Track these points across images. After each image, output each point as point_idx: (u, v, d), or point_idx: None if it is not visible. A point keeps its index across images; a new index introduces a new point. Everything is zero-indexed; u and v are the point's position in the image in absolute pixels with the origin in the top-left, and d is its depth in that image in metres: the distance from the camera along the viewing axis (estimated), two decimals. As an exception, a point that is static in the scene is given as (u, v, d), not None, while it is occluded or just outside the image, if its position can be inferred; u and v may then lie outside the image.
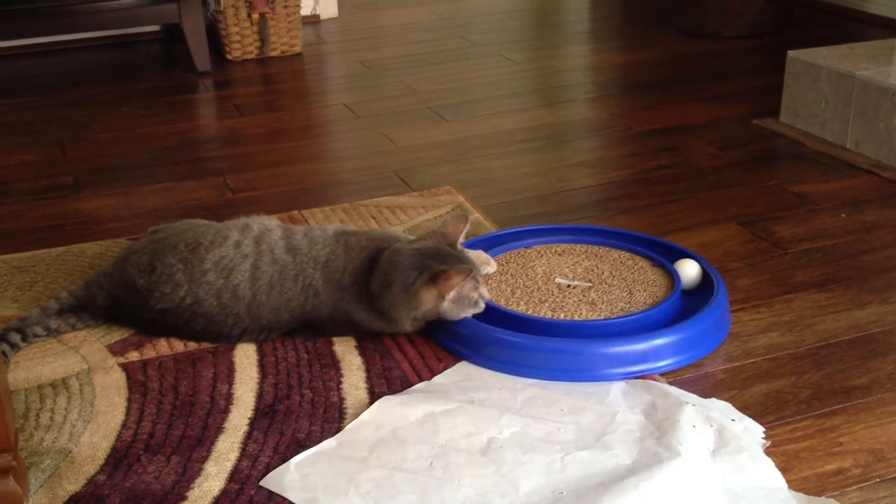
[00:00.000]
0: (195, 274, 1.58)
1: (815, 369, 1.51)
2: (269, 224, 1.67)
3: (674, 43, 3.54)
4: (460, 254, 1.57)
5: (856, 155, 2.37)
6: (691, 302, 1.65)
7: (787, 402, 1.43)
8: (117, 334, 1.64)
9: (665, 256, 1.76)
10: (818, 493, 1.23)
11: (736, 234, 1.98)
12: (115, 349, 1.59)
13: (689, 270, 1.71)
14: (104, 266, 1.74)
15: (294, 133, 2.76)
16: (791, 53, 2.59)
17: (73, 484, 1.27)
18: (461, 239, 1.60)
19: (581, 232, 1.89)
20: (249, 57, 3.49)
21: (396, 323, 1.56)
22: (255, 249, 1.60)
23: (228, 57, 3.47)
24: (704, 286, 1.68)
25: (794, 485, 1.25)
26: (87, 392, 1.48)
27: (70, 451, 1.34)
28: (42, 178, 2.43)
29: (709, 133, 2.59)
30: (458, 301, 1.52)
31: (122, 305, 1.63)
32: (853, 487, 1.25)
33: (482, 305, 1.56)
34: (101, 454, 1.33)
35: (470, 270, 1.51)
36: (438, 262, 1.52)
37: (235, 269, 1.58)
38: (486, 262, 1.73)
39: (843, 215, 2.06)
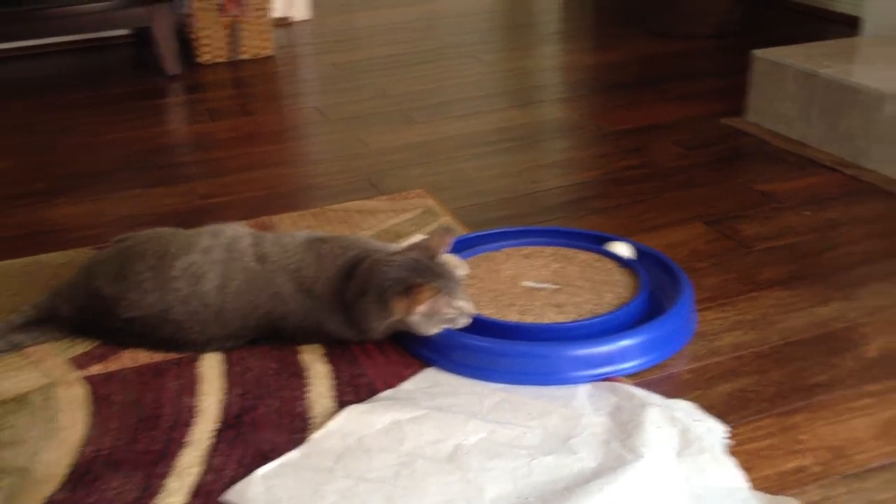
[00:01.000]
0: (164, 281, 1.58)
1: (779, 367, 1.53)
2: (239, 231, 1.67)
3: (643, 44, 3.56)
4: (439, 268, 1.56)
5: (819, 153, 2.39)
6: (657, 299, 1.66)
7: (750, 400, 1.44)
8: (81, 347, 1.63)
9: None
10: (779, 492, 1.24)
11: (702, 233, 2.00)
12: (79, 362, 1.59)
13: (621, 252, 1.76)
14: (69, 276, 1.73)
15: (266, 137, 2.75)
16: (756, 53, 2.61)
17: None
18: (442, 252, 1.58)
19: (549, 234, 1.90)
20: (220, 60, 3.49)
21: (367, 332, 1.56)
22: (224, 256, 1.60)
23: (199, 60, 3.46)
24: (671, 285, 1.69)
25: (755, 484, 1.26)
26: (48, 408, 1.47)
27: (29, 470, 1.32)
28: (13, 184, 2.43)
29: (676, 133, 2.61)
30: (430, 316, 1.51)
31: (87, 316, 1.63)
32: (813, 485, 1.26)
33: (463, 321, 1.54)
34: (62, 472, 1.32)
35: (439, 289, 1.49)
36: (415, 275, 1.51)
37: (204, 277, 1.58)
38: (457, 266, 1.74)
39: (808, 213, 2.07)
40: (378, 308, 1.51)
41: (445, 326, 1.53)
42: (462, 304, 1.53)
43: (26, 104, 3.10)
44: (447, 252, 1.74)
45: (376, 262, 1.54)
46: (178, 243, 1.62)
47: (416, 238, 1.86)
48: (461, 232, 1.99)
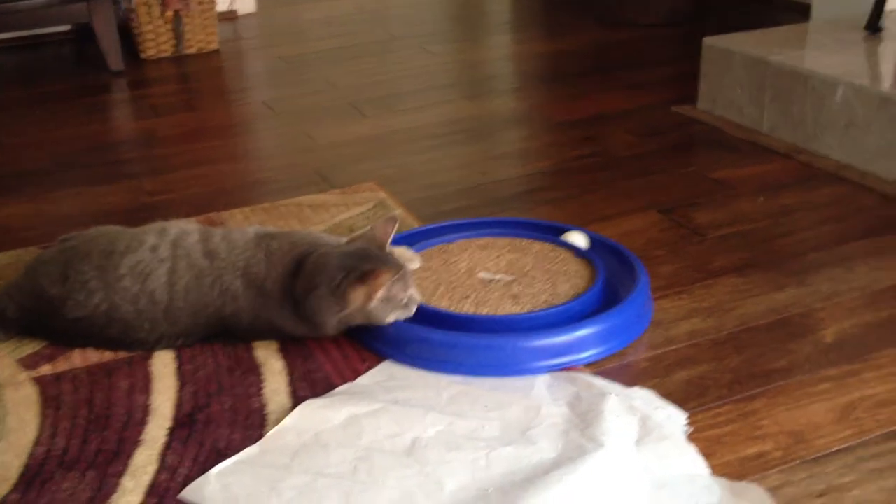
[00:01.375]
0: (110, 280, 1.54)
1: (736, 354, 1.53)
2: (186, 227, 1.63)
3: (594, 32, 3.57)
4: (388, 256, 1.55)
5: (772, 139, 2.41)
6: (613, 288, 1.66)
7: (708, 387, 1.44)
8: (29, 347, 1.59)
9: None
10: (740, 478, 1.24)
11: (656, 221, 2.00)
12: (27, 363, 1.54)
13: (577, 240, 1.77)
14: (14, 277, 1.68)
15: (212, 132, 2.71)
16: (706, 40, 2.62)
17: (-16, 506, 1.23)
18: (389, 241, 1.58)
19: (502, 225, 1.89)
20: (164, 55, 3.42)
21: (321, 327, 1.53)
22: (171, 254, 1.57)
23: (142, 56, 3.40)
24: (626, 274, 1.69)
25: (716, 470, 1.26)
26: (-3, 409, 1.43)
27: (-20, 472, 1.29)
28: (-51, 186, 2.36)
29: (628, 121, 2.61)
30: (387, 301, 1.50)
31: (33, 316, 1.58)
32: (774, 470, 1.26)
33: (412, 309, 1.53)
34: (14, 473, 1.28)
35: (400, 268, 1.49)
36: (367, 262, 1.50)
37: (152, 274, 1.54)
38: (410, 259, 1.72)
39: (761, 199, 2.09)
40: (332, 300, 1.49)
41: (398, 315, 1.52)
42: (412, 290, 1.52)
43: (-38, 103, 3.02)
44: (393, 242, 1.73)
45: (323, 255, 1.52)
46: (124, 241, 1.58)
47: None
48: (413, 224, 1.97)
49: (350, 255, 1.51)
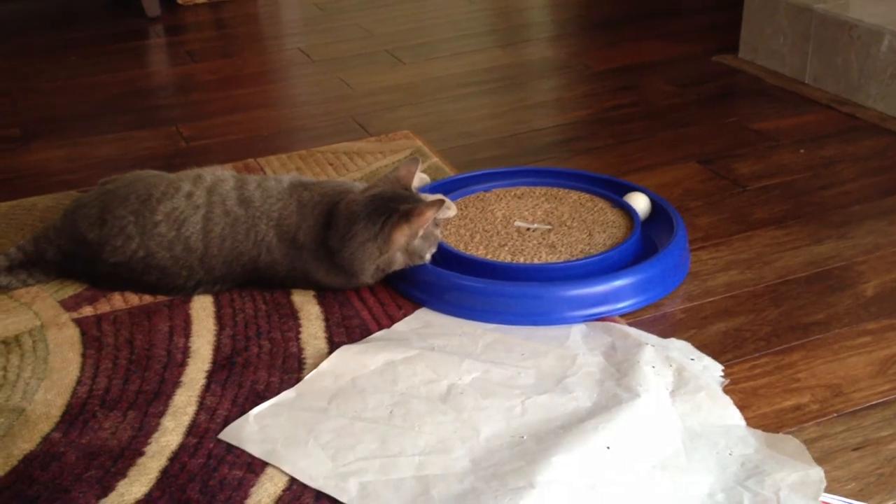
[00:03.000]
0: (146, 226, 1.55)
1: (774, 306, 1.52)
2: (222, 175, 1.63)
3: (632, -21, 3.51)
4: (416, 194, 1.56)
5: (814, 90, 2.37)
6: (650, 240, 1.65)
7: (745, 339, 1.44)
8: (70, 289, 1.61)
9: (622, 196, 1.75)
10: (776, 430, 1.24)
11: (695, 172, 1.98)
12: (69, 304, 1.56)
13: (638, 203, 1.72)
14: (55, 219, 1.70)
15: (248, 79, 2.71)
16: (749, -12, 2.57)
17: (28, 442, 1.25)
18: (414, 181, 1.58)
19: (540, 174, 1.87)
20: (200, 1, 3.41)
21: (359, 276, 1.54)
22: (206, 200, 1.57)
23: (179, 1, 3.39)
24: (664, 225, 1.68)
25: (752, 422, 1.26)
26: (40, 349, 1.45)
27: (24, 410, 1.31)
28: (-13, 130, 2.38)
29: (668, 71, 2.57)
30: (426, 238, 1.52)
31: (73, 259, 1.60)
32: (811, 423, 1.25)
33: (435, 248, 1.56)
34: (56, 412, 1.31)
35: (441, 201, 1.52)
36: (403, 202, 1.50)
37: (187, 221, 1.55)
38: (448, 207, 1.71)
39: (802, 151, 2.06)
40: (373, 245, 1.49)
41: (433, 250, 1.54)
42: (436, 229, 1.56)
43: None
44: (429, 189, 1.73)
45: (351, 202, 1.52)
46: (161, 187, 1.59)
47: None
48: (449, 173, 1.96)
49: (382, 198, 1.51)
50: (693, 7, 3.14)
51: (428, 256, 1.54)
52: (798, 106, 2.30)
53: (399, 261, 1.53)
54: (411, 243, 1.50)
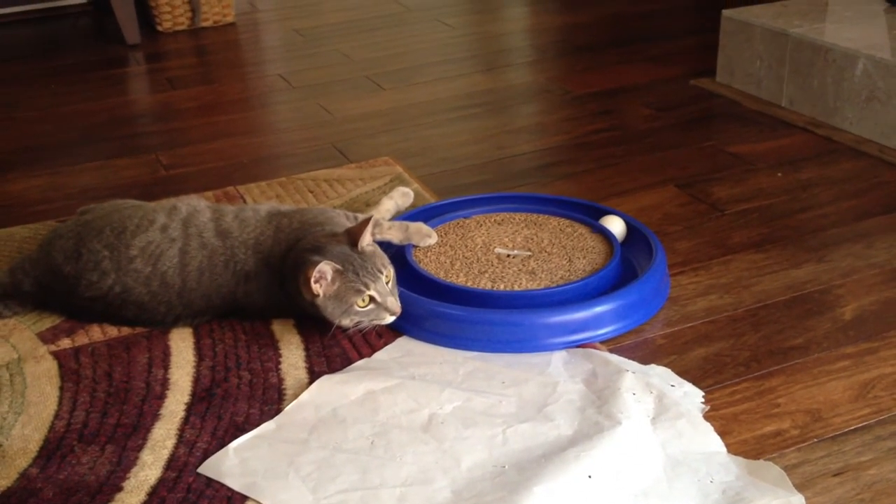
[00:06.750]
0: (122, 261, 1.53)
1: (753, 331, 1.52)
2: (197, 205, 1.62)
3: (611, 4, 3.53)
4: (354, 255, 1.47)
5: (791, 113, 2.39)
6: (629, 262, 1.65)
7: (725, 365, 1.44)
8: (48, 321, 1.59)
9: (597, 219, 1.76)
10: (757, 456, 1.24)
11: (674, 196, 1.99)
12: (47, 337, 1.55)
13: (613, 226, 1.72)
14: (32, 250, 1.69)
15: (229, 106, 2.71)
16: (725, 12, 2.59)
17: (4, 479, 1.24)
18: (365, 239, 1.49)
19: (517, 200, 1.88)
20: (181, 28, 3.42)
21: (306, 310, 1.50)
22: (182, 233, 1.56)
23: (159, 28, 3.39)
24: (643, 247, 1.68)
25: (733, 448, 1.26)
26: (17, 382, 1.44)
27: (1, 445, 1.30)
28: (-35, 160, 2.36)
29: (646, 95, 2.59)
30: (336, 300, 1.44)
31: (50, 292, 1.59)
32: (791, 448, 1.26)
33: (385, 317, 1.47)
34: (34, 446, 1.30)
35: (316, 264, 1.41)
36: (313, 254, 1.46)
37: (163, 255, 1.54)
38: (427, 235, 1.71)
39: (780, 174, 2.07)
40: (296, 289, 1.48)
41: (361, 320, 1.45)
42: (376, 293, 1.45)
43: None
44: (410, 217, 1.71)
45: (307, 241, 1.50)
46: (136, 220, 1.57)
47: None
48: (430, 199, 1.96)
49: (313, 246, 1.48)
50: (671, 31, 3.16)
51: (346, 323, 1.46)
52: (775, 129, 2.32)
53: (331, 312, 1.46)
54: (313, 299, 1.45)
